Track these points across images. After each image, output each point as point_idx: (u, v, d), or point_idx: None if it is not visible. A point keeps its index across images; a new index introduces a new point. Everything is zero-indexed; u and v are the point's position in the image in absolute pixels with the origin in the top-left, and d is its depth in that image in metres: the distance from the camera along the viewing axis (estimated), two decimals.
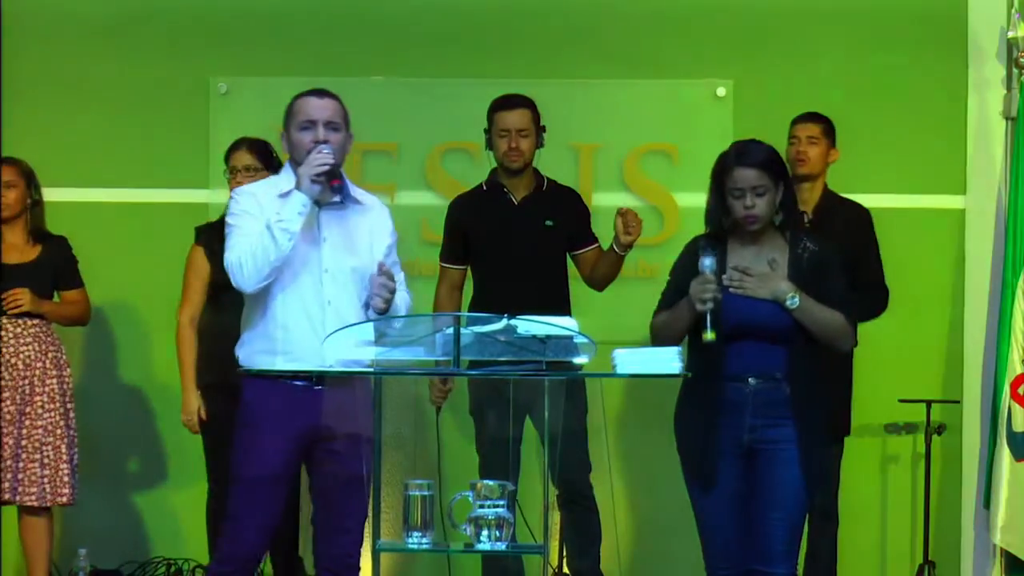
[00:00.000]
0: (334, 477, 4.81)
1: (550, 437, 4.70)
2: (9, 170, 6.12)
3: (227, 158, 6.08)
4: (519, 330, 4.43)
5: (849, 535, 6.29)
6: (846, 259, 5.07)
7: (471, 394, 6.04)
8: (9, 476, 5.99)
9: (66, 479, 6.08)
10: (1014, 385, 6.32)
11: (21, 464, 6.03)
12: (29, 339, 6.10)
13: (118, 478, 6.84)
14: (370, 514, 4.63)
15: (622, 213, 5.83)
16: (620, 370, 4.50)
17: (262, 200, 4.84)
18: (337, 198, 4.85)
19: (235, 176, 5.98)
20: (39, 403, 6.07)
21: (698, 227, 5.00)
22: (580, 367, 4.51)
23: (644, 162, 6.90)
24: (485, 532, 4.45)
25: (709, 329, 4.70)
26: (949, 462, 6.80)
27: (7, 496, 6.01)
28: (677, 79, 6.89)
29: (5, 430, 6.00)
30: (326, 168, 4.75)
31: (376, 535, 4.50)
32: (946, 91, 6.83)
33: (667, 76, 6.89)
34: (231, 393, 5.00)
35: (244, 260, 4.75)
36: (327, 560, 4.88)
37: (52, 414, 6.08)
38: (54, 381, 6.11)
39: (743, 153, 4.84)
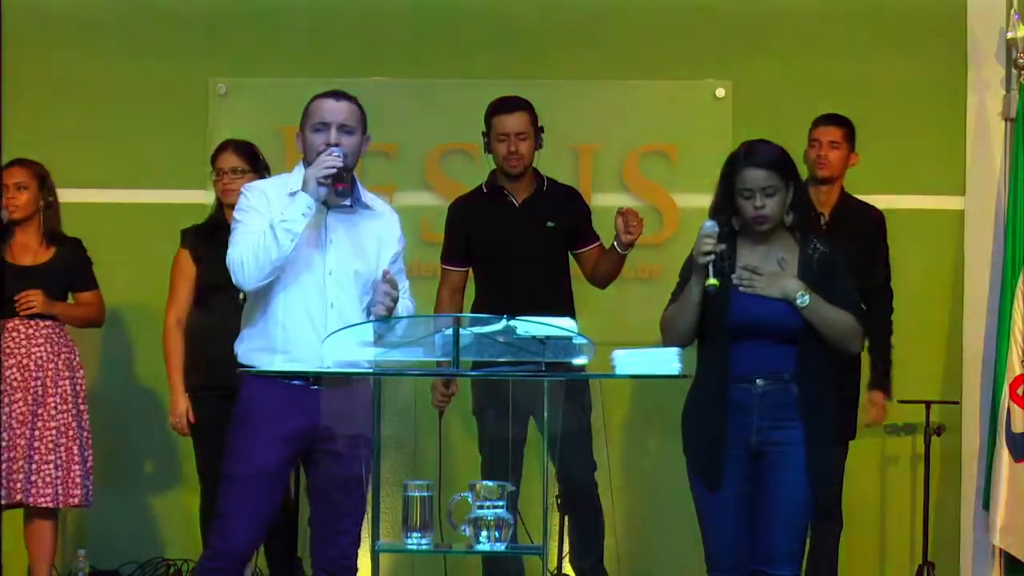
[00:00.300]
0: (331, 478, 4.81)
1: (550, 438, 4.69)
2: (22, 172, 6.11)
3: (213, 160, 6.07)
4: (518, 331, 4.43)
5: (849, 536, 6.28)
6: (856, 261, 5.05)
7: (474, 394, 6.04)
8: (21, 477, 5.98)
9: (78, 480, 6.06)
10: (1013, 386, 6.32)
11: (34, 466, 6.01)
12: (41, 340, 6.08)
13: (118, 478, 6.82)
14: (369, 514, 4.61)
15: (623, 213, 5.84)
16: (619, 371, 4.49)
17: (271, 197, 4.83)
18: (347, 202, 4.84)
19: (221, 178, 5.98)
20: (52, 404, 6.06)
21: (697, 227, 4.98)
22: (580, 368, 4.51)
23: (643, 163, 6.90)
24: (484, 533, 4.44)
25: (712, 276, 4.68)
26: (948, 463, 6.80)
27: (19, 497, 5.99)
28: (676, 80, 6.89)
29: (18, 431, 6.00)
30: (332, 171, 4.73)
31: (375, 536, 4.49)
32: (945, 92, 6.84)
33: (666, 77, 6.89)
34: (220, 395, 5.00)
35: (245, 258, 4.74)
36: (324, 561, 4.88)
37: (65, 415, 6.07)
38: (67, 382, 6.10)
39: (753, 153, 4.81)
